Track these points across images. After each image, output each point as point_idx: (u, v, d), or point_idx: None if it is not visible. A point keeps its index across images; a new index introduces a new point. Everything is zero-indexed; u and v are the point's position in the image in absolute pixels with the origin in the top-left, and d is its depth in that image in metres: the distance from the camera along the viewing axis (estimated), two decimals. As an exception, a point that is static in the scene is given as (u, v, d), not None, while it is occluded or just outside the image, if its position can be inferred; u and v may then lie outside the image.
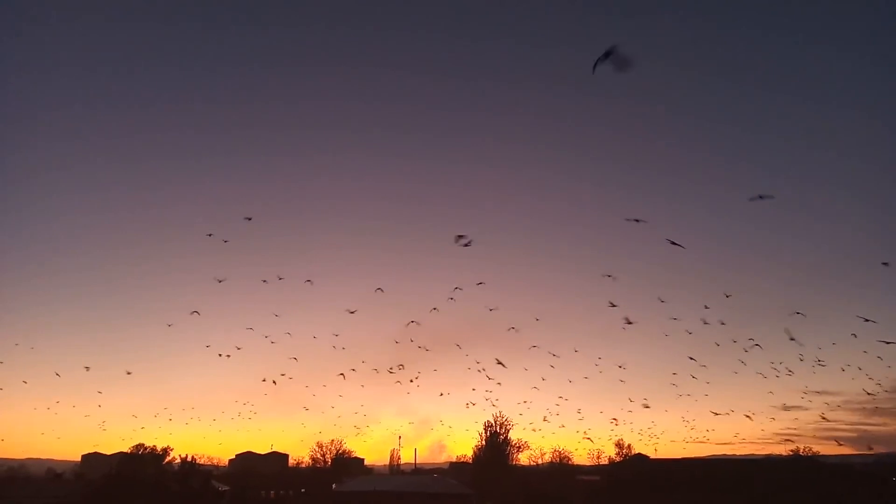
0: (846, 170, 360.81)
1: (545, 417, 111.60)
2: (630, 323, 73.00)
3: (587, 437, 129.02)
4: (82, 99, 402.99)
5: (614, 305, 70.85)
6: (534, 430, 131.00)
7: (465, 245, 43.51)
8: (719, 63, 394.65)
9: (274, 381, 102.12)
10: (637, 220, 51.47)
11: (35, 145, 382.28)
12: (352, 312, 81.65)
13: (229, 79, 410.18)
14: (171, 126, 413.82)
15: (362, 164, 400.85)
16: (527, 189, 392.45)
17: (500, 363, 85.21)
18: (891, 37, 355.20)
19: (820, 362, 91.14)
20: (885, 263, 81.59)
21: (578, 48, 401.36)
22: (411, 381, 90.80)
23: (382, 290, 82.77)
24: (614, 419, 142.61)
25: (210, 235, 75.42)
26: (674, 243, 50.22)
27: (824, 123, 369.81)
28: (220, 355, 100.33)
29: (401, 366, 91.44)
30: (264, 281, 77.87)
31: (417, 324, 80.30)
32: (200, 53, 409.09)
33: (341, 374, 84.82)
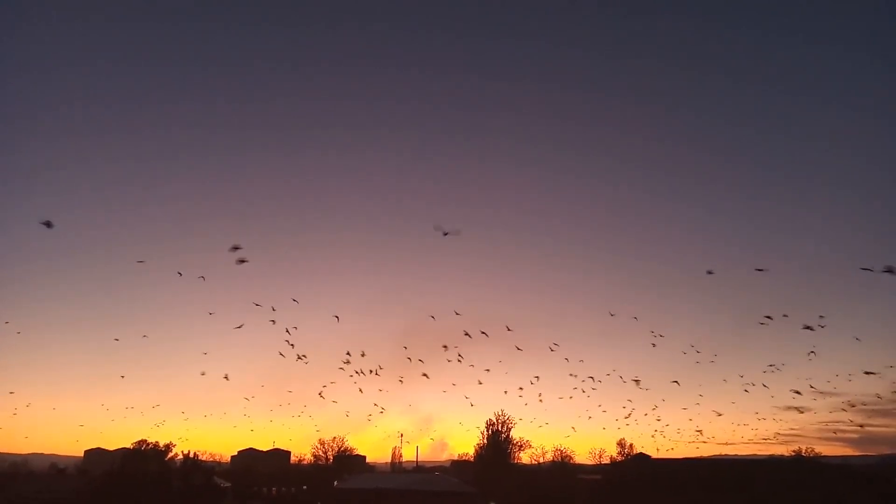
0: (846, 169, 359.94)
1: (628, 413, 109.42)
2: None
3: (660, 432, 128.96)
4: (82, 98, 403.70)
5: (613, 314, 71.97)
6: (619, 426, 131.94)
7: (240, 261, 43.36)
8: (719, 63, 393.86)
9: (321, 394, 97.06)
10: (761, 270, 55.82)
11: (36, 145, 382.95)
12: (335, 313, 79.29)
13: (229, 79, 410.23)
14: (173, 125, 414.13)
15: (362, 163, 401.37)
16: (527, 188, 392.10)
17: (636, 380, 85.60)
18: (892, 37, 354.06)
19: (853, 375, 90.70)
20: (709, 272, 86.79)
21: (578, 48, 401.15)
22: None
23: (338, 318, 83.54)
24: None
25: (179, 274, 72.21)
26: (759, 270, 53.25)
27: (825, 123, 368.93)
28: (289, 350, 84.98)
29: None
30: (273, 309, 75.82)
31: (458, 314, 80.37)
32: (200, 53, 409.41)
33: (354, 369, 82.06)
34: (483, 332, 79.34)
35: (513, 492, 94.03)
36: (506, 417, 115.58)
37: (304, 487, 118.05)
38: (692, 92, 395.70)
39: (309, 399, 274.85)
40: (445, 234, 39.62)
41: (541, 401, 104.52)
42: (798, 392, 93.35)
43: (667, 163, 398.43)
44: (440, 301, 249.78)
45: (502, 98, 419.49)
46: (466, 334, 78.99)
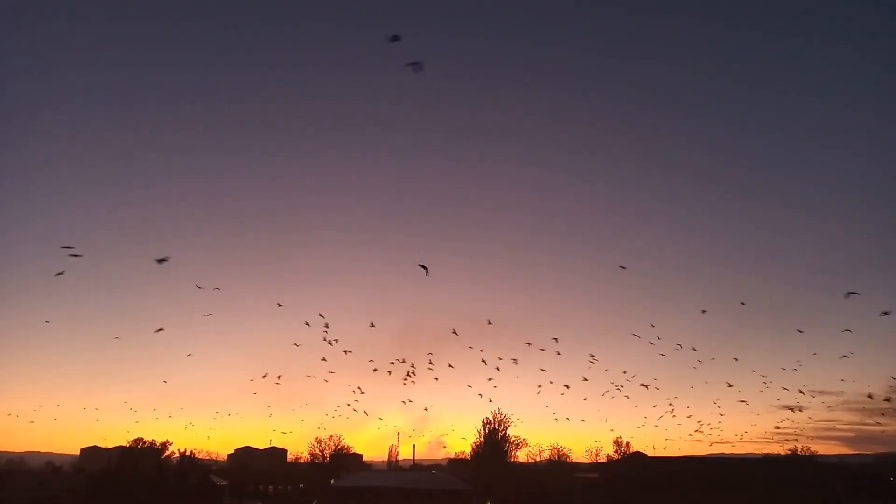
0: (847, 169, 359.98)
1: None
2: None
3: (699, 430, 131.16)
4: (86, 96, 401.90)
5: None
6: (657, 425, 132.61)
7: (72, 255, 43.77)
8: (719, 62, 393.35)
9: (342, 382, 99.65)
10: (853, 293, 54.52)
11: (35, 144, 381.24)
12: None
13: (230, 79, 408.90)
14: (171, 125, 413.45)
15: (362, 162, 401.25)
16: (528, 188, 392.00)
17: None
18: (893, 36, 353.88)
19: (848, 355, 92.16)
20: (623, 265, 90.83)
21: (578, 47, 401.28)
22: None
23: (374, 325, 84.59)
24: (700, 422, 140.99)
25: (200, 287, 73.06)
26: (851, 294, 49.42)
27: (825, 122, 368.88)
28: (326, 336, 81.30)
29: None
30: (280, 305, 77.57)
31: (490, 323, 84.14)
32: (200, 53, 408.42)
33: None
34: (542, 349, 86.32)
35: (509, 490, 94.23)
36: (503, 416, 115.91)
37: (301, 486, 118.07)
38: (692, 91, 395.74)
39: (304, 397, 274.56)
40: (426, 272, 42.91)
41: (585, 399, 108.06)
42: (798, 391, 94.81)
43: (665, 162, 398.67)
44: (441, 301, 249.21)
45: (505, 98, 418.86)
46: (528, 343, 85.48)
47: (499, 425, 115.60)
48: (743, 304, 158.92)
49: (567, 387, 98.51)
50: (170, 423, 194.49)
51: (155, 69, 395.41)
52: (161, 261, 41.62)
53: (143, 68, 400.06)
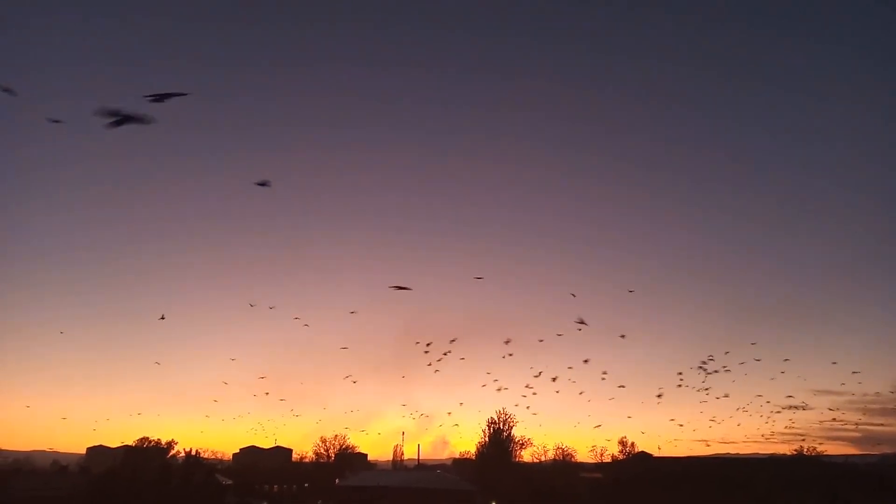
0: (847, 169, 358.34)
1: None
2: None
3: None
4: (87, 93, 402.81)
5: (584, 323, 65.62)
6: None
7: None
8: (719, 61, 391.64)
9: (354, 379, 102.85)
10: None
11: (48, 138, 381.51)
12: (352, 313, 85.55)
13: (228, 76, 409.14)
14: (178, 122, 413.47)
15: (364, 161, 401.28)
16: (528, 187, 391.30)
17: None
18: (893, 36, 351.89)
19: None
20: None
21: (579, 46, 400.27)
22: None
23: (301, 321, 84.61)
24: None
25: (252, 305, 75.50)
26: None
27: (824, 121, 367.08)
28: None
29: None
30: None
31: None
32: (202, 50, 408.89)
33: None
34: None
35: (514, 489, 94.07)
36: (507, 416, 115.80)
37: (306, 485, 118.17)
38: (692, 91, 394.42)
39: (311, 396, 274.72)
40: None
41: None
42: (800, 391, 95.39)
43: (664, 162, 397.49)
44: (441, 299, 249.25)
45: (504, 97, 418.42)
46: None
47: (503, 425, 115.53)
48: (631, 291, 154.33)
49: (622, 387, 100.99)
50: (176, 422, 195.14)
51: (153, 68, 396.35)
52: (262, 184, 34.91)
53: (140, 66, 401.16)
